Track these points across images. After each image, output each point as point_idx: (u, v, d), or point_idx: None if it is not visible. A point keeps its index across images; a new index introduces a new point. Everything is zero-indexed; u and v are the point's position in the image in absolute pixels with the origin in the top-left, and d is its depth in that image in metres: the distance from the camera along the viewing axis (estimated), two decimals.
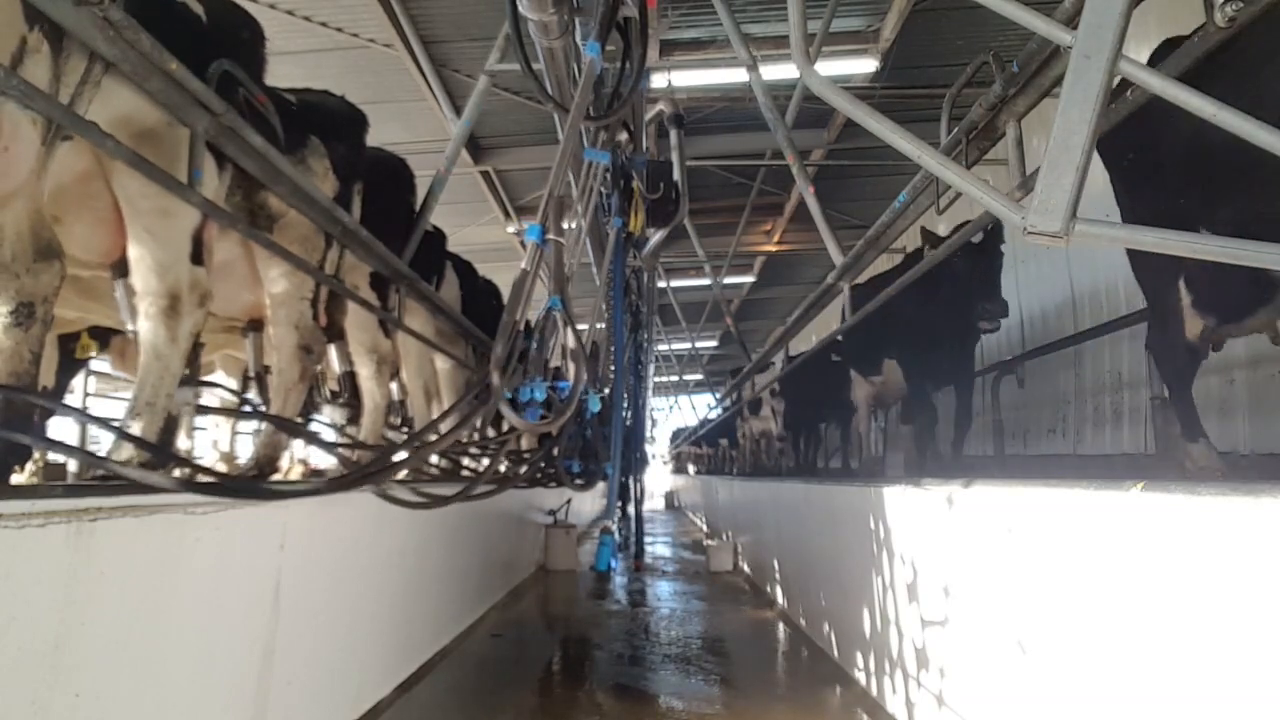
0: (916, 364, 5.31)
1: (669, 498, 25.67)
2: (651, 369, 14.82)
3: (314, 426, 4.18)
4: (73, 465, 2.91)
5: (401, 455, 2.70)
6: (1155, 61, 2.18)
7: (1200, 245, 1.52)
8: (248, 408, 3.62)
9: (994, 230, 4.42)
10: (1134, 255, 2.83)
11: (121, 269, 2.27)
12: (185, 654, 1.90)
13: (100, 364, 4.54)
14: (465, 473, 4.79)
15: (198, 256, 2.33)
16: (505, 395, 2.36)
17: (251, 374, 3.36)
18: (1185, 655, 1.57)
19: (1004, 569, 2.32)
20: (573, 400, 2.53)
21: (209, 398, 3.87)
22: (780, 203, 10.43)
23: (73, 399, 5.63)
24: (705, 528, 14.23)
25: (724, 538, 10.18)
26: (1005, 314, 4.66)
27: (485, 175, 9.01)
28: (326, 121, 3.35)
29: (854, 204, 9.83)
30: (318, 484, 2.43)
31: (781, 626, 5.38)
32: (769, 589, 6.46)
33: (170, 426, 2.40)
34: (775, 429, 11.15)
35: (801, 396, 9.55)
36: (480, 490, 3.23)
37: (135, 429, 2.15)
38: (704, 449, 20.63)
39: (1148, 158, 2.58)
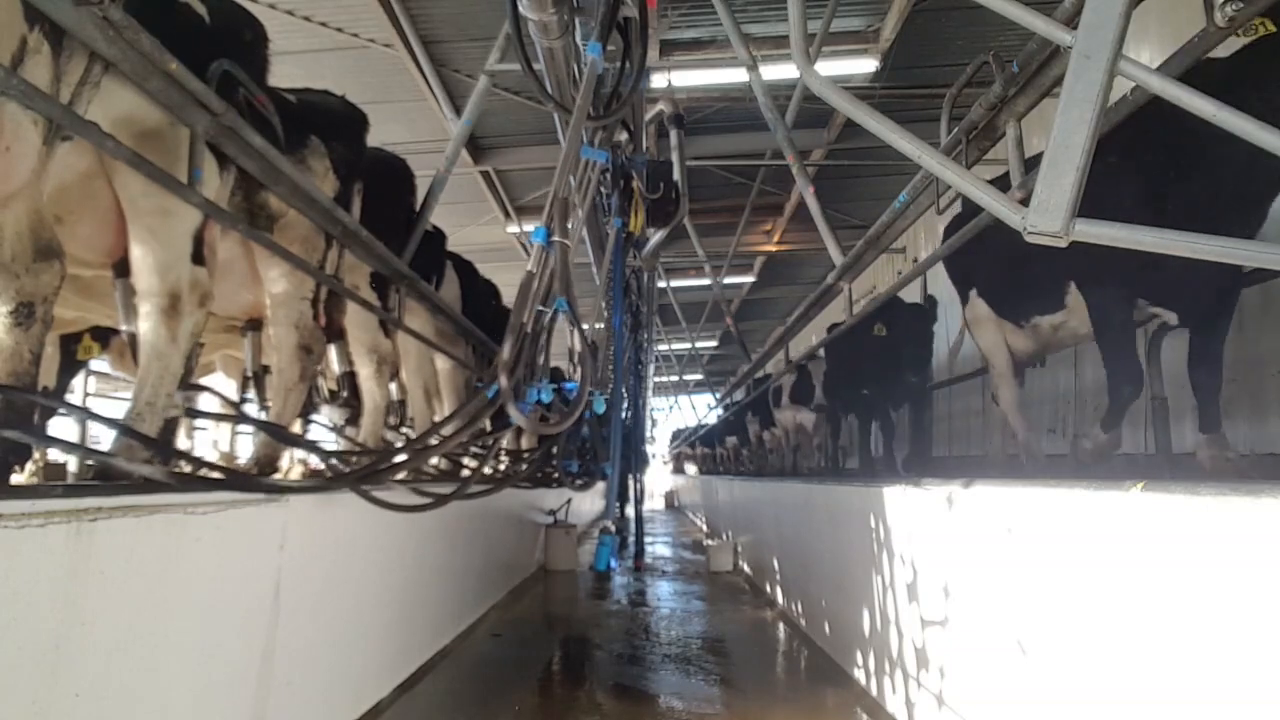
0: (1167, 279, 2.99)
1: (669, 497, 25.70)
2: (651, 369, 14.84)
3: (313, 427, 4.19)
4: (73, 465, 2.92)
5: (403, 458, 2.70)
6: None
7: (1201, 245, 1.52)
8: (245, 411, 3.62)
9: None
10: None
11: (122, 269, 2.27)
12: (185, 654, 1.90)
13: (100, 364, 4.54)
14: (465, 473, 4.79)
15: (199, 256, 2.33)
16: (513, 397, 2.36)
17: (249, 374, 3.36)
18: (1185, 655, 1.57)
19: (1004, 569, 2.32)
20: (580, 401, 2.53)
21: (208, 401, 3.87)
22: (780, 203, 10.43)
23: (73, 398, 5.63)
24: (705, 528, 14.23)
25: (724, 538, 10.18)
26: None
27: (485, 175, 9.02)
28: (327, 121, 3.35)
29: (854, 204, 9.83)
30: (318, 482, 2.44)
31: (781, 626, 5.38)
32: (769, 589, 6.46)
33: (170, 426, 2.40)
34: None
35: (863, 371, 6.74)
36: (475, 490, 3.22)
37: (136, 429, 2.15)
38: (716, 448, 18.40)
39: None
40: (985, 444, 6.01)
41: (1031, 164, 2.41)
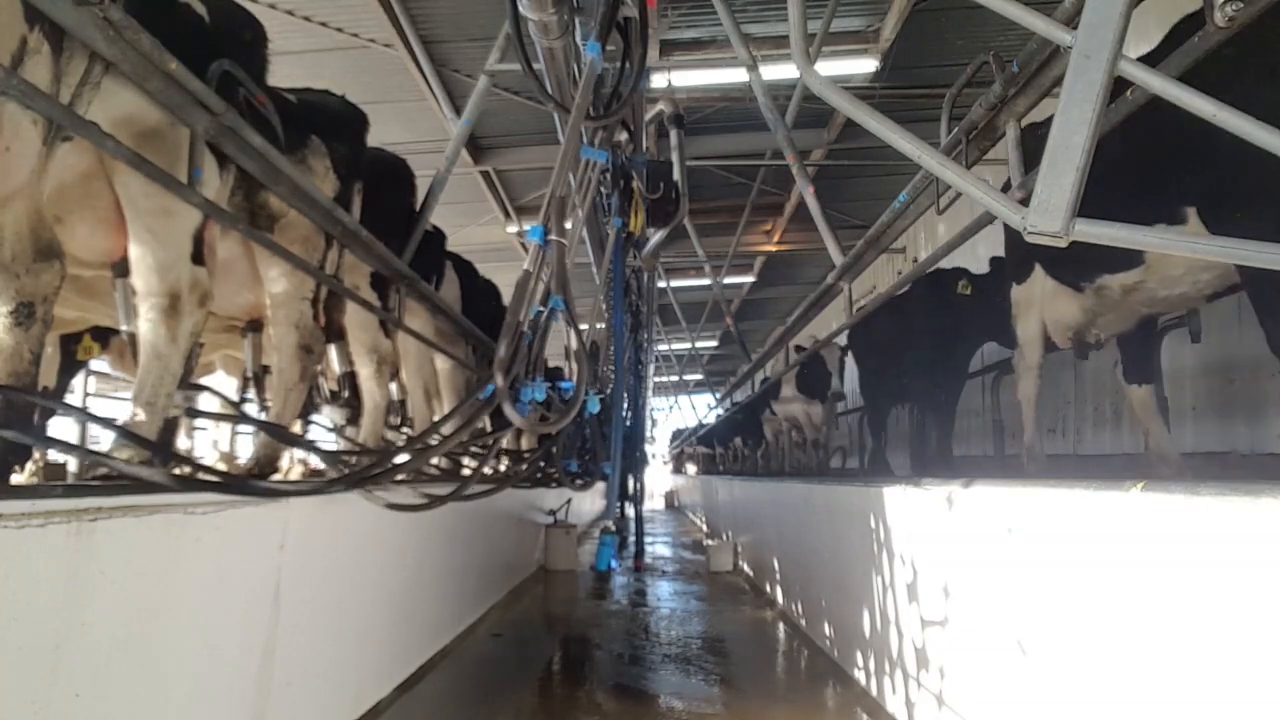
0: None
1: (669, 497, 25.71)
2: (651, 369, 14.83)
3: (312, 427, 4.18)
4: (73, 465, 2.92)
5: (403, 458, 2.69)
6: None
7: (1201, 245, 1.52)
8: (246, 411, 3.61)
9: None
10: None
11: (123, 269, 2.27)
12: (185, 654, 1.90)
13: (100, 364, 4.54)
14: (466, 472, 4.79)
15: (199, 256, 2.33)
16: (509, 397, 2.36)
17: (249, 374, 3.36)
18: (1184, 655, 1.57)
19: (1004, 569, 2.32)
20: (577, 400, 2.53)
21: (208, 401, 3.87)
22: (780, 203, 10.43)
23: (73, 398, 5.63)
24: (705, 528, 14.23)
25: (724, 537, 10.18)
26: None
27: (485, 175, 9.02)
28: (327, 121, 3.35)
29: (854, 204, 9.83)
30: (318, 483, 2.44)
31: (781, 626, 5.38)
32: (769, 589, 6.46)
33: (170, 426, 2.40)
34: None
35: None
36: (475, 490, 3.22)
37: (135, 429, 2.15)
38: (716, 448, 17.54)
39: None
40: (984, 444, 5.99)
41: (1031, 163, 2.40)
